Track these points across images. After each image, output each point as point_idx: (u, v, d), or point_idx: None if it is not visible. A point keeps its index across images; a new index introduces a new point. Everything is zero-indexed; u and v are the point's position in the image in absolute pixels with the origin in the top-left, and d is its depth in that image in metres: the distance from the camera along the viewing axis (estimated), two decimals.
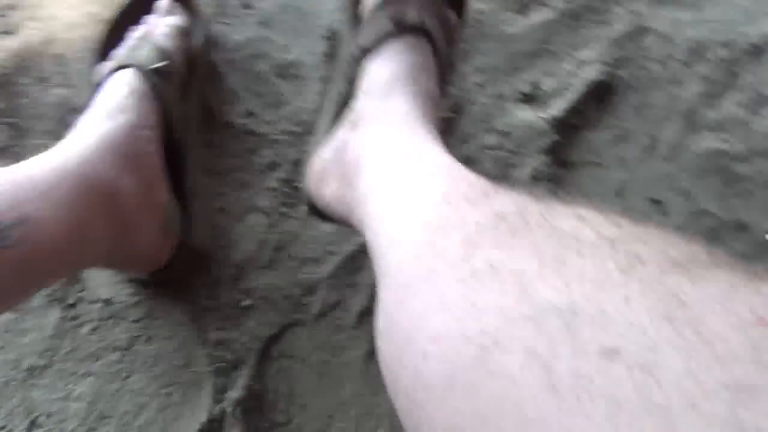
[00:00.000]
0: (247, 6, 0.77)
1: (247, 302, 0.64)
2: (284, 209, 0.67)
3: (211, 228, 0.66)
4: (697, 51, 0.77)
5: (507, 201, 0.32)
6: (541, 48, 0.77)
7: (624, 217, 0.28)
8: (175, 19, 0.63)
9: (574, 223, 0.28)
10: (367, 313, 0.64)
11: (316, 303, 0.64)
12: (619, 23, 0.79)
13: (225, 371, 0.62)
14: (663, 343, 0.21)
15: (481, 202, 0.33)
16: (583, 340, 0.22)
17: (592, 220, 0.28)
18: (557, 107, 0.74)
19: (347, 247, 0.66)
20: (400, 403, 0.30)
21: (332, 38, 0.74)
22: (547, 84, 0.75)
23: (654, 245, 0.25)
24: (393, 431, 0.60)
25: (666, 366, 0.20)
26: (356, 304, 0.64)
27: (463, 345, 0.26)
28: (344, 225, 0.53)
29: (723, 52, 0.77)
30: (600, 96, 0.76)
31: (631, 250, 0.25)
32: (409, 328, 0.30)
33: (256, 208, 0.67)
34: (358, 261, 0.65)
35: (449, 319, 0.28)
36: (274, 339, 0.63)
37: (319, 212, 0.59)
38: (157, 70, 0.58)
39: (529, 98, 0.75)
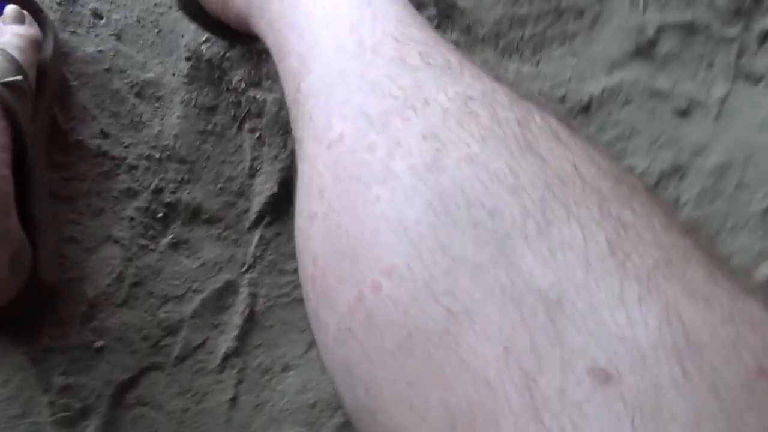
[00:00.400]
0: (98, 16, 0.70)
1: (99, 343, 0.59)
2: (143, 241, 0.63)
3: (59, 260, 0.59)
4: None
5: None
6: None
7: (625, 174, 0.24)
8: (26, 29, 0.56)
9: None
10: (234, 354, 0.62)
11: (177, 345, 0.61)
12: None
13: (70, 421, 0.57)
14: (667, 382, 0.18)
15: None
16: (572, 348, 0.19)
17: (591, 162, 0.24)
18: None
19: (213, 284, 0.63)
20: (330, 335, 0.25)
21: (195, 60, 0.71)
22: None
23: (642, 215, 0.22)
24: None
25: (671, 415, 0.17)
26: (221, 345, 0.62)
27: (427, 299, 0.22)
28: (220, 29, 0.46)
29: (559, 106, 0.86)
30: None
31: (620, 219, 0.22)
32: (356, 237, 0.25)
33: (111, 239, 0.62)
34: (224, 299, 0.63)
35: (412, 255, 0.23)
36: (128, 384, 0.59)
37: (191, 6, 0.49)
38: (7, 85, 0.51)
39: None
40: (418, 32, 0.31)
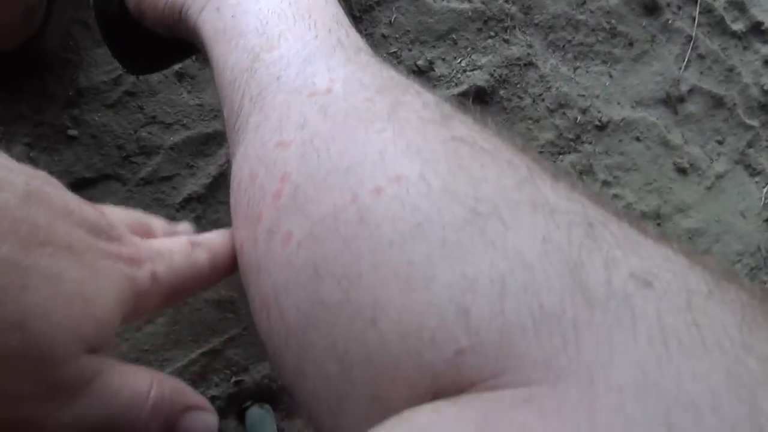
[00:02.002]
0: None
1: (73, 132, 0.57)
2: None
3: (64, 36, 0.57)
4: (563, 104, 0.86)
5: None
6: (449, 34, 0.80)
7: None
8: None
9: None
10: (197, 199, 0.61)
11: (147, 167, 0.59)
12: (516, 47, 0.85)
13: None
14: (703, 292, 0.18)
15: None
16: (613, 256, 0.19)
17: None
18: (438, 93, 0.77)
19: (202, 127, 0.62)
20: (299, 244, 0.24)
21: None
22: (440, 69, 0.78)
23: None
24: (173, 324, 0.58)
25: (718, 313, 0.18)
26: (188, 186, 0.61)
27: (445, 199, 0.22)
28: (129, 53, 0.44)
29: (579, 116, 0.87)
30: (476, 100, 0.80)
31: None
32: (353, 156, 0.24)
33: None
34: (207, 145, 0.62)
35: (426, 168, 0.23)
36: (86, 183, 0.57)
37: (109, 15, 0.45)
38: None
39: (419, 73, 0.77)
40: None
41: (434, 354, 0.19)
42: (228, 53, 0.34)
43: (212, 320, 0.61)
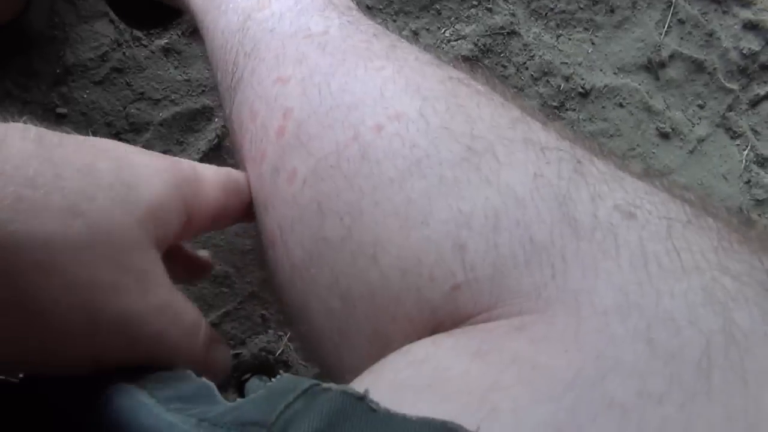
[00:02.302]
0: None
1: (62, 110, 0.57)
2: (138, 33, 0.61)
3: (49, 14, 0.57)
4: (546, 72, 0.87)
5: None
6: (432, 5, 0.80)
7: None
8: None
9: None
10: None
11: (137, 143, 0.60)
12: (499, 16, 0.85)
13: None
14: (682, 220, 0.19)
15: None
16: (599, 191, 0.20)
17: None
18: None
19: (191, 103, 0.62)
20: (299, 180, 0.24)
21: None
22: (425, 39, 0.78)
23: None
24: None
25: (695, 238, 0.19)
26: None
27: (443, 136, 0.22)
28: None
29: (562, 83, 0.88)
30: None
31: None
32: (353, 92, 0.24)
33: (108, 17, 0.59)
34: (196, 121, 0.62)
35: (425, 106, 0.23)
36: None
37: None
38: None
39: None
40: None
41: (432, 290, 0.20)
42: (218, 17, 0.34)
43: (209, 296, 0.62)
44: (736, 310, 0.17)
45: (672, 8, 0.98)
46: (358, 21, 0.29)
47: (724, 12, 1.02)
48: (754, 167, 0.98)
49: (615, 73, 0.92)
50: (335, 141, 0.24)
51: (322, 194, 0.24)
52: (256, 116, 0.27)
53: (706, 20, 1.00)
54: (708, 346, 0.16)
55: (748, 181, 0.96)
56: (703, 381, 0.16)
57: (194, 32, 0.62)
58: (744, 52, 1.02)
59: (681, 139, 0.94)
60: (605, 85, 0.90)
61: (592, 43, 0.91)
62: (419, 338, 0.20)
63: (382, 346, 0.21)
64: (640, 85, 0.93)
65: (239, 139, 0.29)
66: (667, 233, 0.19)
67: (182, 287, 0.60)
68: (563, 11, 0.90)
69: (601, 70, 0.91)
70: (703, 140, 0.95)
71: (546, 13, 0.89)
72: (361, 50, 0.26)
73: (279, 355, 0.65)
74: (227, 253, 0.63)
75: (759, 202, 0.97)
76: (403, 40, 0.29)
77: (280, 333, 0.65)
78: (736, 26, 1.02)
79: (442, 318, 0.20)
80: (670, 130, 0.93)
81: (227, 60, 0.32)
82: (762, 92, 1.02)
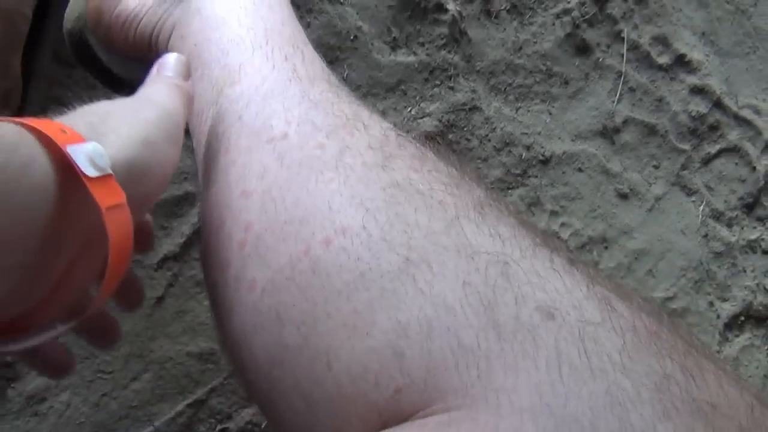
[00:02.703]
0: None
1: None
2: None
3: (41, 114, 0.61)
4: (508, 143, 0.93)
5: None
6: (398, 86, 0.86)
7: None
8: None
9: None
10: (173, 258, 0.64)
11: None
12: (461, 93, 0.91)
13: None
14: (597, 321, 0.21)
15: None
16: (522, 293, 0.22)
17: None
18: None
19: (173, 190, 0.66)
20: (258, 291, 0.26)
21: None
22: (392, 118, 0.84)
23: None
24: (158, 380, 0.62)
25: (605, 340, 0.21)
26: (164, 246, 0.65)
27: (383, 249, 0.24)
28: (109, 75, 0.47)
29: (524, 152, 0.94)
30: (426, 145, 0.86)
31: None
32: (305, 207, 0.26)
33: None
34: (180, 207, 0.66)
35: (367, 218, 0.25)
36: None
37: (83, 49, 0.49)
38: None
39: None
40: (338, 83, 0.36)
41: (378, 394, 0.23)
42: (195, 83, 0.36)
43: (195, 372, 0.64)
44: (632, 411, 0.19)
45: (622, 77, 1.05)
46: (317, 106, 0.31)
47: (672, 78, 1.10)
48: (711, 221, 1.04)
49: (573, 140, 0.98)
50: (289, 254, 0.26)
51: (281, 303, 0.26)
52: (222, 225, 0.30)
53: (655, 87, 1.08)
54: None
55: (706, 235, 1.02)
56: None
57: None
58: (693, 114, 1.09)
59: (639, 198, 0.99)
60: (564, 152, 0.96)
61: (550, 114, 0.98)
62: None
63: None
64: (597, 150, 0.99)
65: (207, 240, 0.32)
66: (581, 334, 0.21)
67: (170, 366, 0.62)
68: (521, 85, 0.97)
69: (559, 138, 0.97)
70: (660, 199, 1.01)
71: (505, 88, 0.96)
72: (314, 159, 0.29)
73: (264, 427, 0.67)
74: (212, 330, 0.66)
75: (717, 255, 1.02)
76: (357, 123, 0.31)
77: None
78: (683, 91, 1.10)
79: (388, 418, 0.23)
80: (629, 190, 0.99)
81: (202, 132, 0.35)
82: (713, 150, 1.09)
